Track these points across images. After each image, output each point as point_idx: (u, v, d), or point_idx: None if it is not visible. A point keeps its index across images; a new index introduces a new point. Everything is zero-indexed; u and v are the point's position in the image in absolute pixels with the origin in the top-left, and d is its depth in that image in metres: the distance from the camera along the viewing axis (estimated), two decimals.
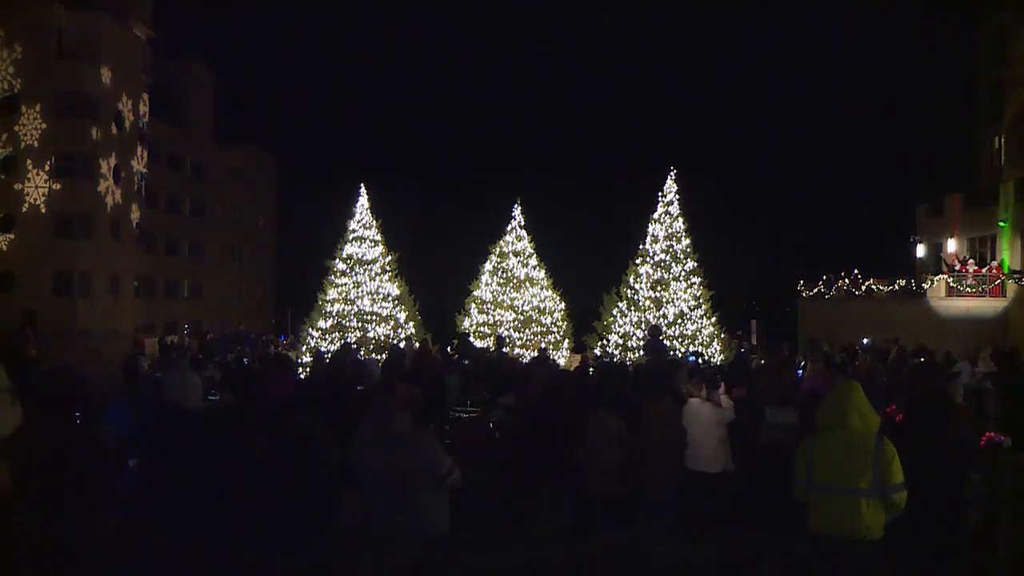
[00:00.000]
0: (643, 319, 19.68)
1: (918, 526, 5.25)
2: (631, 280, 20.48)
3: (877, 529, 4.68)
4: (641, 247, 20.65)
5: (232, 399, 6.99)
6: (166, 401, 5.28)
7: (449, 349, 17.47)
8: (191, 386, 5.41)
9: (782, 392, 9.84)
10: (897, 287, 28.98)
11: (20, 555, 4.05)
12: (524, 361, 15.60)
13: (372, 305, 21.37)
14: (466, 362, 14.45)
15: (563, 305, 22.79)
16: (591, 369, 13.86)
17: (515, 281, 22.33)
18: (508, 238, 22.79)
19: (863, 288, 30.02)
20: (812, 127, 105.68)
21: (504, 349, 16.67)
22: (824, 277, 32.58)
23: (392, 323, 21.38)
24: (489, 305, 22.21)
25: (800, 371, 14.04)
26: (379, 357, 16.83)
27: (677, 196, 20.61)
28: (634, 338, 19.57)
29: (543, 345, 20.16)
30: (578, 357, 17.16)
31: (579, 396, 8.10)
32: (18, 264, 35.69)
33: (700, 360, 16.15)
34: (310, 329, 21.71)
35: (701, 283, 20.40)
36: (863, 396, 4.89)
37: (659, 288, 19.99)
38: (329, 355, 14.95)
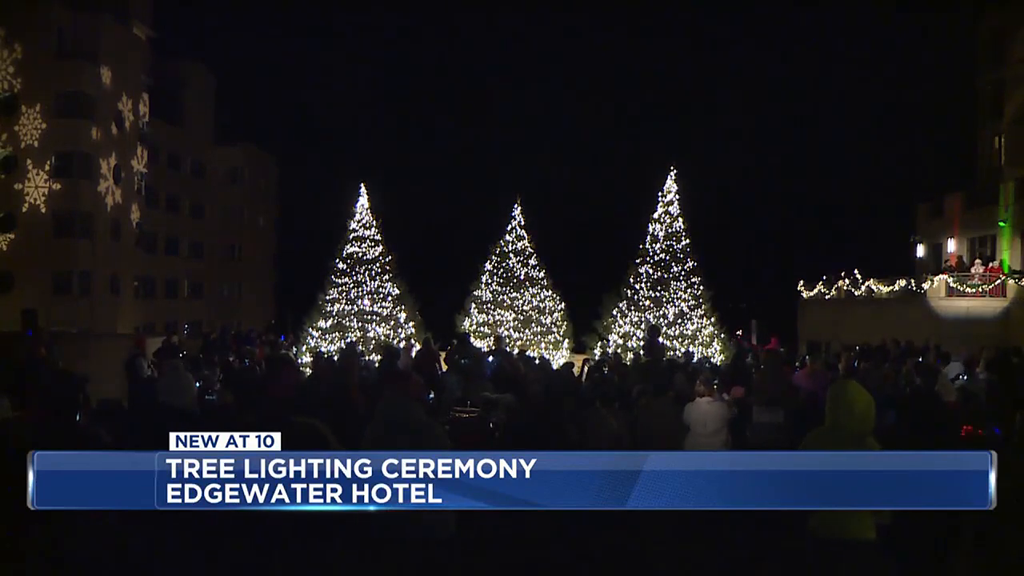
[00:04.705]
0: (643, 319, 19.71)
1: (914, 525, 5.25)
2: (631, 280, 20.51)
3: (869, 531, 4.68)
4: (641, 247, 20.69)
5: (230, 398, 7.01)
6: (159, 402, 5.29)
7: (450, 348, 17.46)
8: (184, 387, 5.41)
9: (776, 392, 9.82)
10: (897, 287, 28.95)
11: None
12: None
13: (372, 305, 21.43)
14: (465, 361, 14.42)
15: (563, 305, 22.80)
16: (605, 368, 13.85)
17: (515, 281, 22.35)
18: (508, 238, 22.81)
19: (863, 288, 30.00)
20: (811, 126, 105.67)
21: (505, 348, 16.65)
22: (824, 277, 32.54)
23: (392, 323, 21.44)
24: (489, 305, 22.22)
25: (796, 371, 14.01)
26: (376, 357, 16.83)
27: (677, 196, 20.65)
28: (634, 338, 19.59)
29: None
30: (579, 357, 17.16)
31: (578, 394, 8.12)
32: (18, 264, 35.66)
33: (699, 361, 16.17)
34: (310, 329, 21.74)
35: (701, 283, 20.43)
36: (858, 395, 4.80)
37: (659, 288, 20.02)
38: (328, 355, 14.94)
